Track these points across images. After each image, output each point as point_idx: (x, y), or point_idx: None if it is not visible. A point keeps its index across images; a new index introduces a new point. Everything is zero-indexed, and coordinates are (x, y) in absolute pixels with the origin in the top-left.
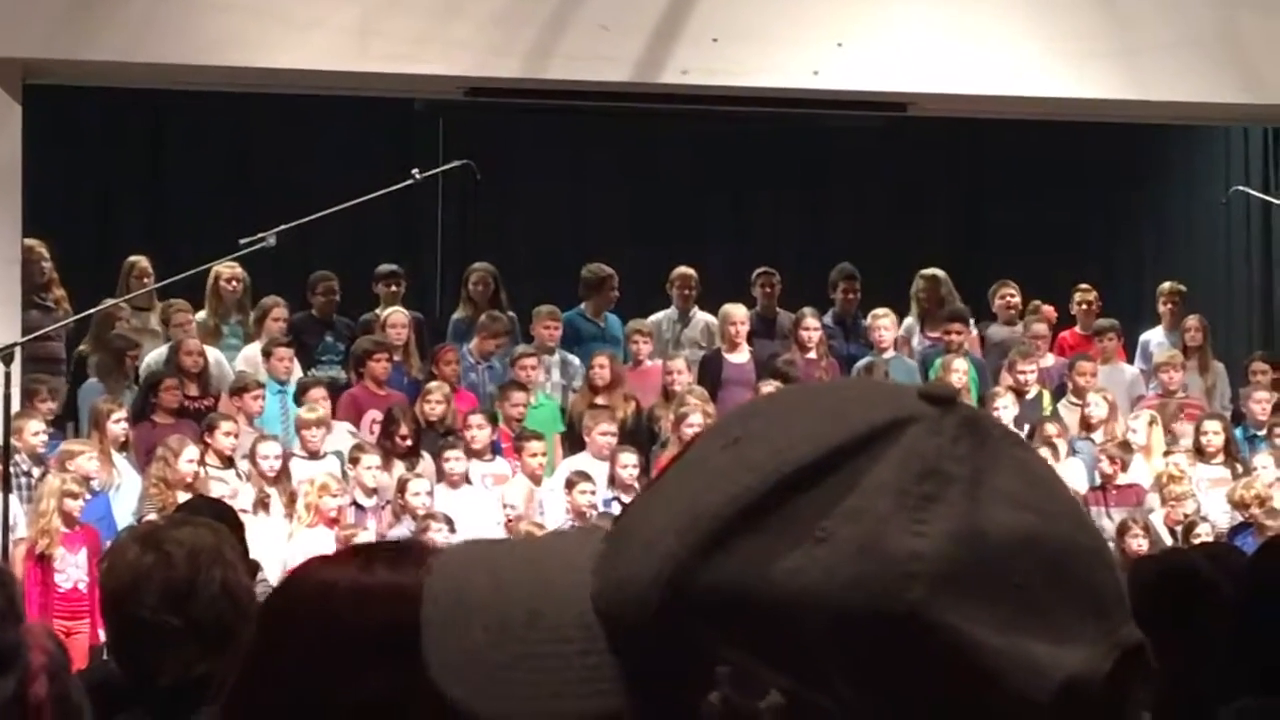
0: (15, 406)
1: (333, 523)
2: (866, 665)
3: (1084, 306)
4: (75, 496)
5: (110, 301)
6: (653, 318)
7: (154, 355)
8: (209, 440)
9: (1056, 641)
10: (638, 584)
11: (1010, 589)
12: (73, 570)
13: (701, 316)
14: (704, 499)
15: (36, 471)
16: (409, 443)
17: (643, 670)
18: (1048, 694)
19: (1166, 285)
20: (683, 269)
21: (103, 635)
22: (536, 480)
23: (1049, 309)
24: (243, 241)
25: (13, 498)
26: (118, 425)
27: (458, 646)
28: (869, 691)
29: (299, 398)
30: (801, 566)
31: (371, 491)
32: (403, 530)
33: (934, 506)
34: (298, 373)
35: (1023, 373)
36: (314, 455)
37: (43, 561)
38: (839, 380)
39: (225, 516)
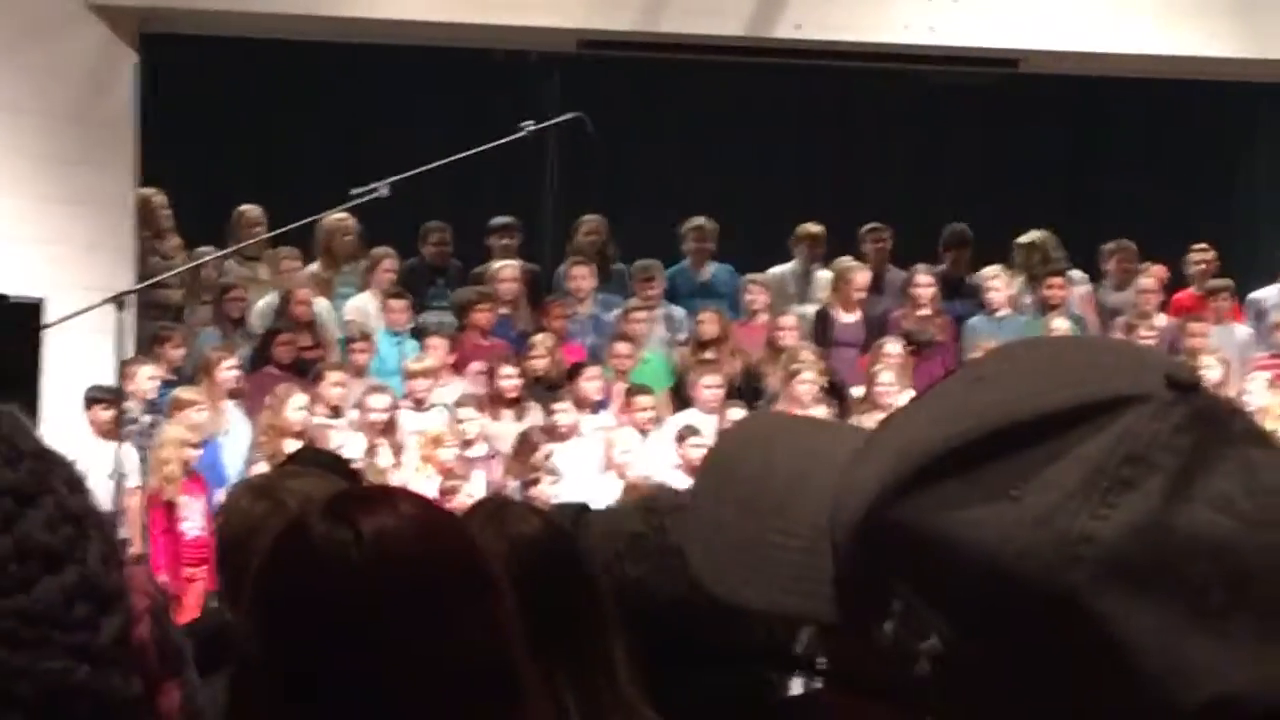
0: (129, 351)
1: (447, 472)
2: (1019, 637)
3: (1201, 266)
4: (195, 446)
5: (224, 251)
6: (772, 271)
7: (263, 304)
8: (317, 389)
9: (1226, 654)
10: (851, 501)
11: (1187, 591)
12: (196, 517)
13: (823, 274)
14: (926, 433)
15: (147, 419)
16: (516, 393)
17: (841, 586)
18: (1195, 704)
19: None
20: (810, 225)
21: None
22: (644, 434)
23: (1160, 268)
24: (354, 191)
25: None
26: (229, 373)
27: (710, 515)
28: (1016, 664)
29: (420, 345)
30: (983, 521)
31: (472, 443)
32: (515, 482)
33: (1127, 493)
34: (412, 323)
35: (1143, 338)
36: (420, 405)
37: (168, 509)
38: (1096, 339)
39: (338, 467)
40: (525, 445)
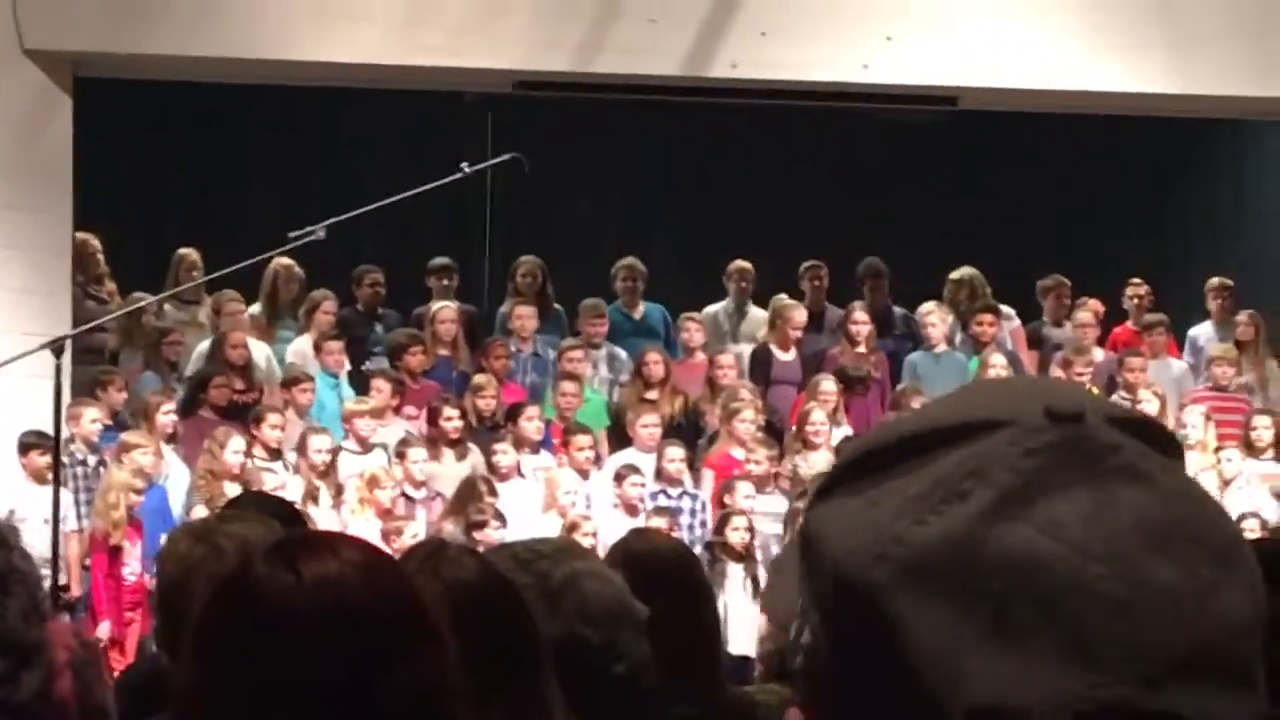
0: (66, 398)
1: (386, 514)
2: (840, 631)
3: (1135, 301)
4: (139, 491)
5: (162, 295)
6: (707, 310)
7: (199, 349)
8: (255, 432)
9: (1013, 671)
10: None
11: (984, 604)
12: (135, 563)
13: (756, 311)
14: (848, 446)
15: (92, 460)
16: (457, 434)
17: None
18: (955, 714)
19: (1215, 280)
20: (740, 262)
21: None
22: (584, 474)
23: (1096, 303)
24: (292, 235)
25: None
26: (166, 418)
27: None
28: (840, 659)
29: (362, 388)
30: (838, 520)
31: (420, 484)
32: (450, 525)
33: (954, 505)
34: (347, 366)
35: (1079, 374)
36: (363, 446)
37: (113, 553)
38: (1025, 377)
39: (282, 510)
40: (469, 490)
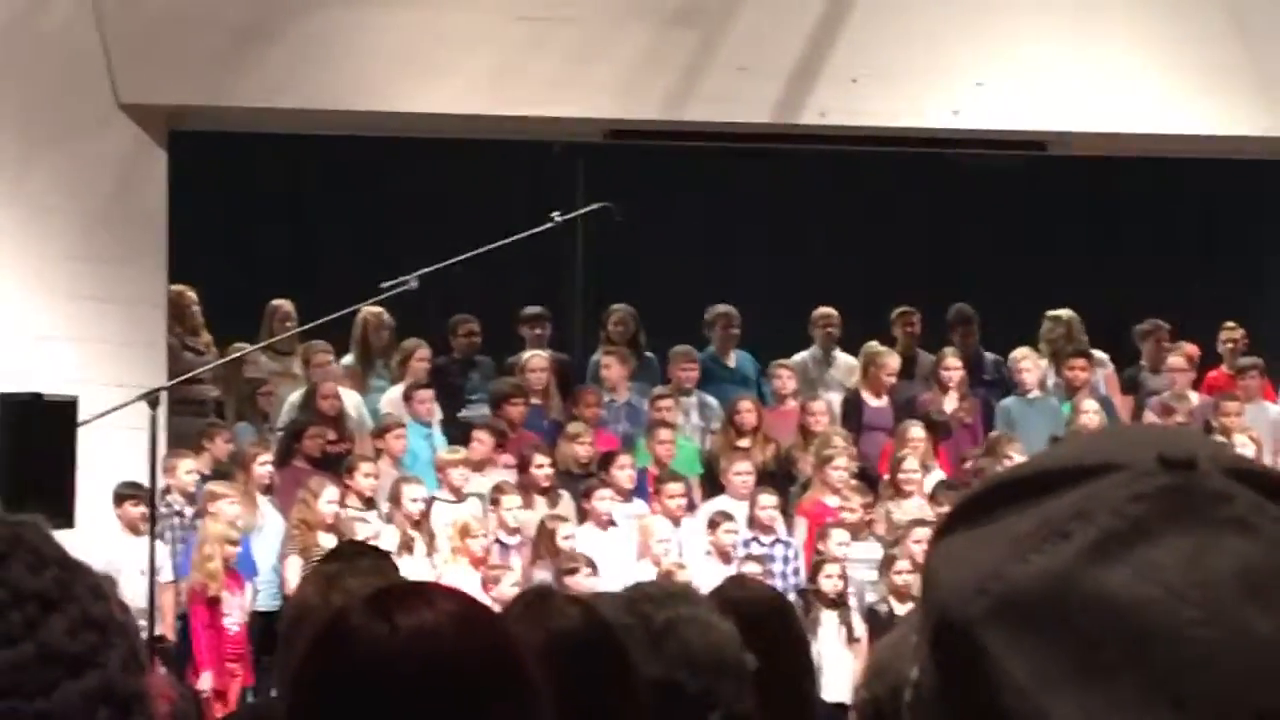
0: (162, 447)
1: (479, 562)
2: (941, 667)
3: (1230, 345)
4: (234, 542)
5: (256, 345)
6: (795, 357)
7: (292, 399)
8: (349, 482)
9: (1096, 712)
10: None
11: (1076, 643)
12: (236, 613)
13: (843, 357)
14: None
15: (189, 511)
16: (548, 482)
17: None
18: None
19: None
20: (825, 309)
21: (254, 677)
22: (676, 521)
23: (1191, 347)
24: (384, 285)
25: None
26: (263, 468)
27: None
28: (939, 694)
29: (458, 437)
30: (949, 556)
31: (514, 530)
32: (545, 574)
33: (1058, 544)
34: (439, 414)
35: (1178, 421)
36: (457, 496)
37: (211, 605)
38: (1141, 424)
39: (380, 560)
40: (543, 532)
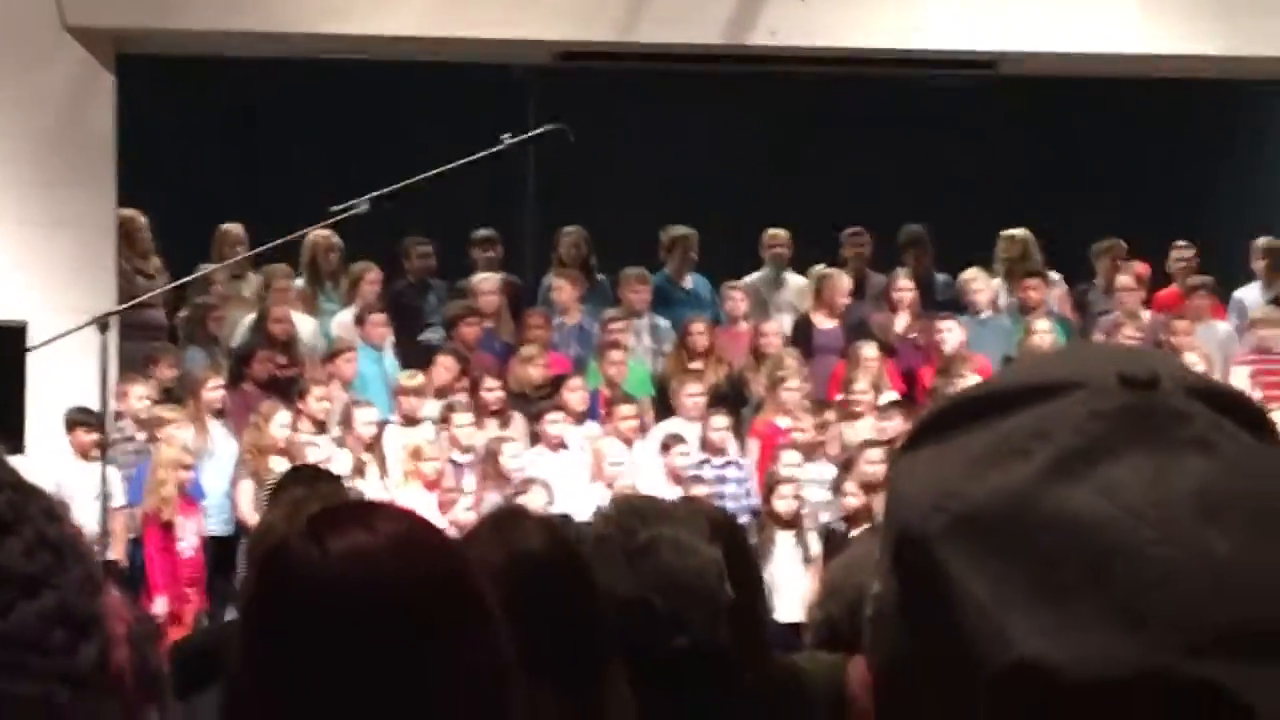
0: (113, 373)
1: (432, 485)
2: (899, 582)
3: (1181, 264)
4: (188, 467)
5: (206, 268)
6: (747, 279)
7: (245, 322)
8: (301, 406)
9: (1053, 629)
10: None
11: (1034, 562)
12: (191, 537)
13: (795, 279)
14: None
15: (141, 436)
16: (499, 405)
17: None
18: (994, 668)
19: (1261, 241)
20: (775, 230)
21: (208, 601)
22: (629, 443)
23: (1141, 265)
24: (334, 209)
25: (108, 467)
26: (213, 393)
27: None
28: (896, 608)
29: (416, 360)
30: (905, 471)
31: (466, 449)
32: (495, 495)
33: (1015, 462)
34: (391, 338)
35: (1128, 337)
36: (411, 420)
37: (165, 529)
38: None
39: (330, 483)
40: (489, 455)
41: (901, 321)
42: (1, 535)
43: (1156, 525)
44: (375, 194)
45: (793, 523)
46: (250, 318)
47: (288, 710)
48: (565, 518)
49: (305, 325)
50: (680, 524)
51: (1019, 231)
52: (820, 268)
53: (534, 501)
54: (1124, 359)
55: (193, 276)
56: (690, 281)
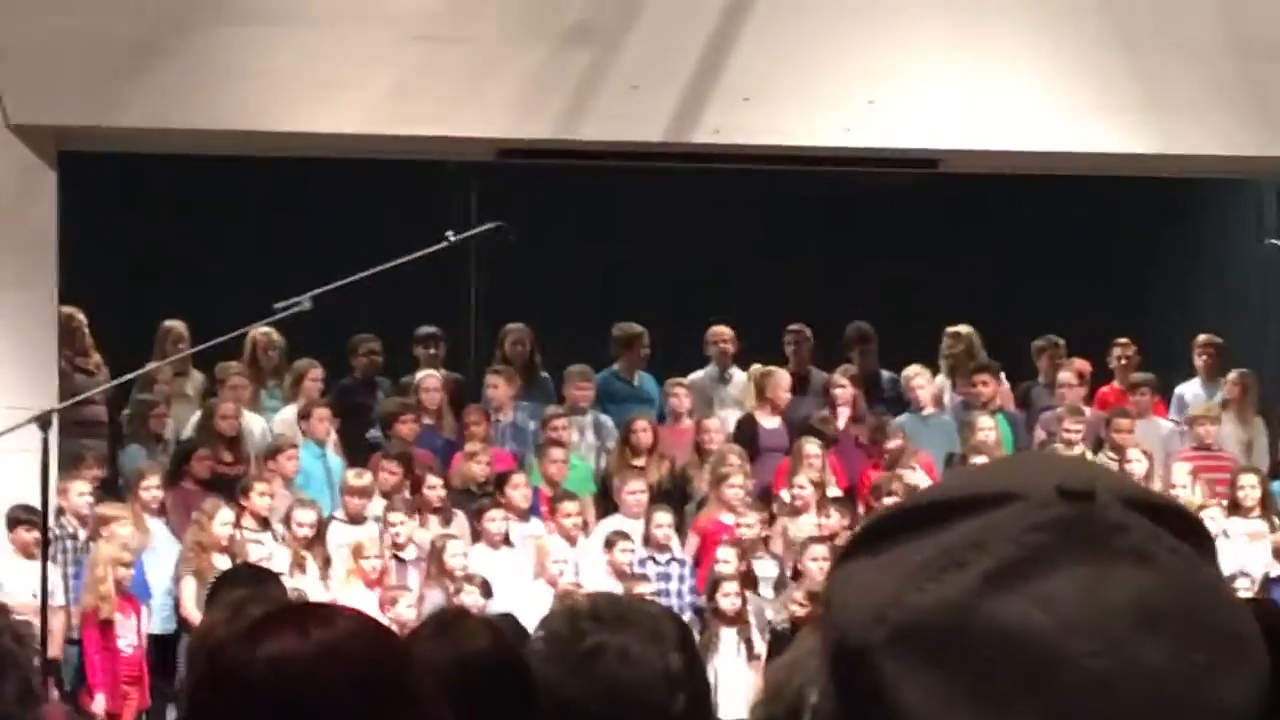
0: (54, 471)
1: (373, 583)
2: (839, 694)
3: (1122, 361)
4: (127, 564)
5: (151, 365)
6: (691, 376)
7: (194, 419)
8: (244, 503)
9: None
10: None
11: (971, 672)
12: (130, 634)
13: (739, 375)
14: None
15: (82, 534)
16: (441, 503)
17: None
18: None
19: (1202, 337)
20: (720, 327)
21: (149, 700)
22: (572, 541)
23: (1082, 362)
24: (278, 305)
25: (49, 565)
26: (148, 493)
27: None
28: (831, 713)
29: (360, 459)
30: (843, 581)
31: (403, 546)
32: (438, 593)
33: (954, 574)
34: (333, 435)
35: (1069, 431)
36: (355, 519)
37: (104, 627)
38: (1041, 453)
39: (269, 582)
40: (433, 552)
41: (843, 417)
42: None
43: (1091, 636)
44: (317, 290)
45: (737, 619)
46: (197, 415)
47: None
48: (507, 616)
49: (257, 423)
50: (637, 630)
51: (963, 328)
52: (759, 366)
53: (471, 600)
54: (1062, 471)
55: (135, 374)
56: (638, 379)
